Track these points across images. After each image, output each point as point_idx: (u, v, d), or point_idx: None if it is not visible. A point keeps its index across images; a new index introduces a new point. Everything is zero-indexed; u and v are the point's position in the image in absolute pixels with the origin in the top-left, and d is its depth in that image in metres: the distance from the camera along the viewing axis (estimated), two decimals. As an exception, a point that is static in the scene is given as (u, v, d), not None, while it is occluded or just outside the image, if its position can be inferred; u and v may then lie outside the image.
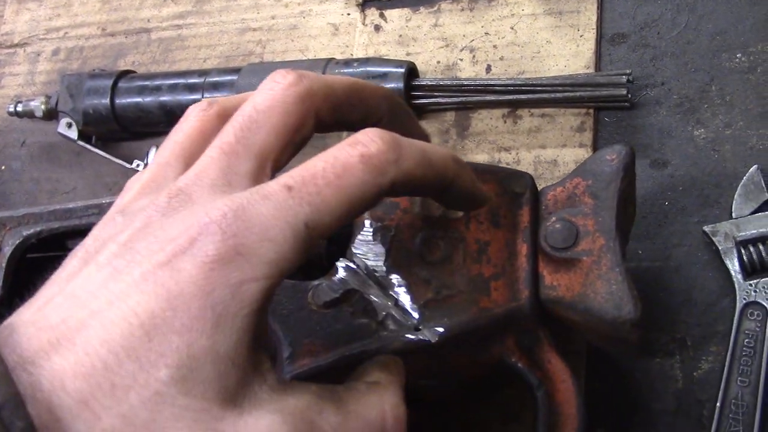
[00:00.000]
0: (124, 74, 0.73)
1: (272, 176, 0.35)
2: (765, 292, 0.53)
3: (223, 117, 0.37)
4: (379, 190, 0.33)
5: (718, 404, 0.52)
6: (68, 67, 0.81)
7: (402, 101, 0.41)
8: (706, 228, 0.55)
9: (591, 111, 0.62)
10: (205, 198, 0.32)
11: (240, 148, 0.34)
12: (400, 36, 0.70)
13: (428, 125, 0.66)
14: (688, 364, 0.54)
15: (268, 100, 0.35)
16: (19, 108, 0.76)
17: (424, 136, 0.45)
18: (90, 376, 0.27)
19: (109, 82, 0.71)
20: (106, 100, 0.71)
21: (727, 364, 0.52)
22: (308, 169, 0.32)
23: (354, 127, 0.38)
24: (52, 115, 0.75)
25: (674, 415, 0.54)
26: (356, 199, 0.32)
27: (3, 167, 0.79)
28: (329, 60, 0.67)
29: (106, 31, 0.82)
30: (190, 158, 0.36)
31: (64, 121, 0.73)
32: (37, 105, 0.75)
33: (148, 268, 0.29)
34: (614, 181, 0.47)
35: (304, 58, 0.72)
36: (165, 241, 0.30)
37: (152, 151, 0.70)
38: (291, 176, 0.32)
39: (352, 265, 0.46)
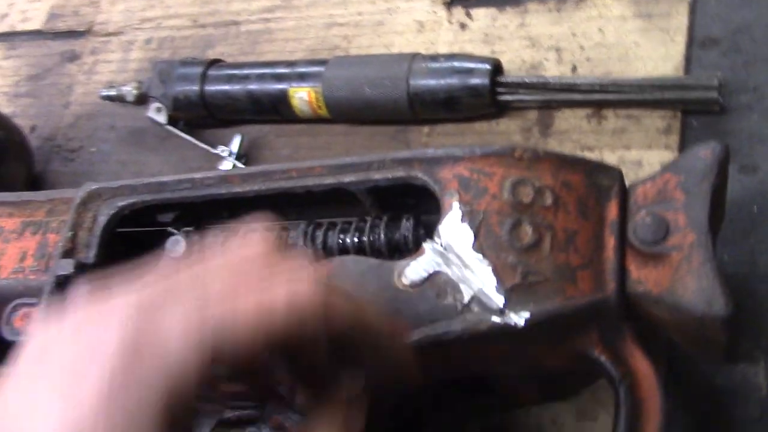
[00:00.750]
0: (214, 62, 0.75)
1: None
2: None
3: None
4: (299, 338, 0.33)
5: (804, 414, 0.50)
6: (159, 56, 0.84)
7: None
8: (797, 235, 0.54)
9: (678, 114, 0.61)
10: (114, 319, 0.32)
11: (187, 281, 0.33)
12: (486, 35, 0.71)
13: (511, 123, 0.67)
14: (772, 372, 0.53)
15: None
16: (112, 92, 0.79)
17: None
18: None
19: (200, 70, 0.74)
20: (196, 87, 0.73)
21: (814, 374, 0.51)
22: (230, 300, 0.32)
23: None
24: (142, 100, 0.77)
25: (757, 424, 0.52)
26: (276, 341, 0.32)
27: (93, 149, 0.82)
28: (415, 55, 0.67)
29: (197, 23, 0.85)
30: None
31: (154, 105, 0.75)
32: (129, 90, 0.78)
33: (58, 379, 0.30)
34: (708, 177, 0.47)
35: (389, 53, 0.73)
36: (72, 347, 0.31)
37: (236, 139, 0.72)
38: (210, 304, 0.32)
39: (439, 246, 0.46)
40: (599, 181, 0.49)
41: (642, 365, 0.47)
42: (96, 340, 0.30)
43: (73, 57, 0.89)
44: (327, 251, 0.52)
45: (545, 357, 0.48)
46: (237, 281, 0.33)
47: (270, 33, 0.80)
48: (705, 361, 0.53)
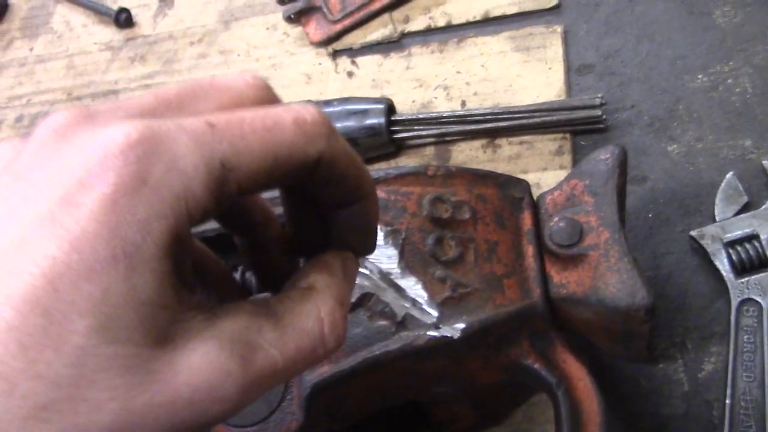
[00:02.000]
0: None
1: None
2: (758, 289, 0.54)
3: None
4: (305, 158, 0.30)
5: (728, 402, 0.52)
6: (32, 132, 0.80)
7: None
8: (693, 233, 0.57)
9: (567, 135, 0.64)
10: (112, 123, 0.27)
11: (175, 102, 0.30)
12: (374, 80, 0.72)
13: (409, 160, 0.68)
14: (691, 366, 0.55)
15: (231, 88, 0.31)
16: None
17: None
18: None
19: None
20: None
21: (731, 361, 0.53)
22: (236, 114, 0.29)
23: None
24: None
25: (684, 419, 0.54)
26: (282, 158, 0.29)
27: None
28: (307, 102, 0.68)
29: (72, 96, 0.82)
30: None
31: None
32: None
33: (44, 205, 0.26)
34: (612, 177, 0.49)
35: (280, 104, 0.72)
36: (62, 172, 0.26)
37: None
38: (215, 116, 0.28)
39: (365, 270, 0.45)
40: (511, 193, 0.50)
41: (575, 368, 0.48)
42: (91, 165, 0.26)
43: (-65, 142, 0.84)
44: (248, 292, 0.50)
45: (481, 371, 0.48)
46: (233, 97, 0.30)
47: (153, 97, 0.78)
48: (629, 360, 0.54)
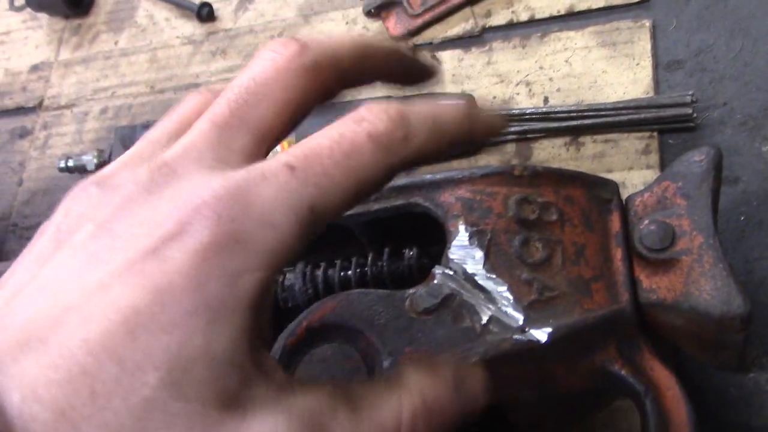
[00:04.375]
0: (179, 123, 0.74)
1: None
2: None
3: None
4: (389, 171, 0.30)
5: (823, 415, 0.50)
6: (117, 123, 0.82)
7: (407, 50, 0.39)
8: (789, 237, 0.55)
9: (655, 134, 0.62)
10: (194, 175, 0.28)
11: (234, 121, 0.30)
12: (454, 75, 0.71)
13: (490, 158, 0.67)
14: (784, 377, 0.53)
15: (268, 71, 0.31)
16: (71, 163, 0.76)
17: (435, 71, 0.42)
18: (66, 383, 0.24)
19: (166, 130, 0.72)
20: (163, 147, 0.71)
21: (827, 373, 0.51)
22: (311, 147, 0.29)
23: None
24: (104, 167, 0.75)
25: (776, 431, 0.52)
26: (365, 181, 0.29)
27: (54, 221, 0.78)
28: (389, 98, 0.67)
29: (154, 89, 0.83)
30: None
31: (119, 170, 0.73)
32: (89, 159, 0.75)
33: (131, 255, 0.26)
34: (706, 180, 0.47)
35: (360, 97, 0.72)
36: (150, 225, 0.27)
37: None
38: (293, 155, 0.28)
39: (449, 271, 0.45)
40: (599, 194, 0.48)
41: (663, 376, 0.46)
42: (181, 220, 0.26)
43: (24, 133, 0.87)
44: (328, 290, 0.50)
45: (565, 377, 0.47)
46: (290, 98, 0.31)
47: (233, 91, 0.79)
48: (719, 368, 0.52)
